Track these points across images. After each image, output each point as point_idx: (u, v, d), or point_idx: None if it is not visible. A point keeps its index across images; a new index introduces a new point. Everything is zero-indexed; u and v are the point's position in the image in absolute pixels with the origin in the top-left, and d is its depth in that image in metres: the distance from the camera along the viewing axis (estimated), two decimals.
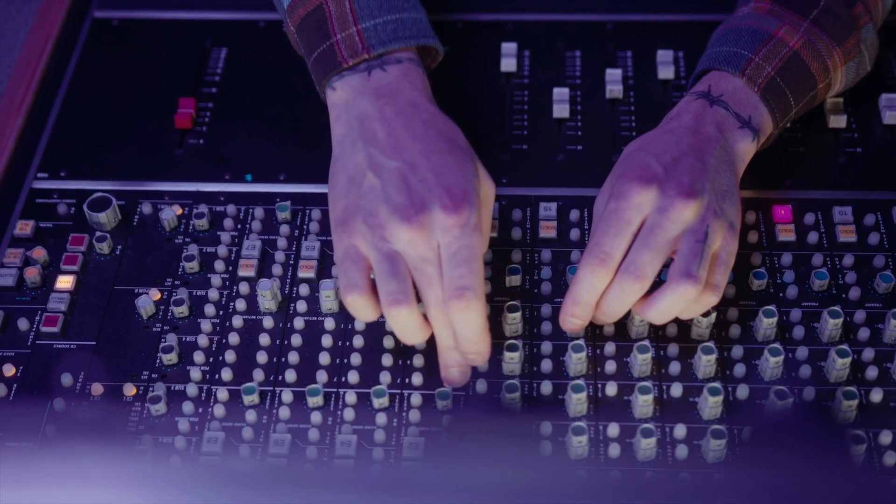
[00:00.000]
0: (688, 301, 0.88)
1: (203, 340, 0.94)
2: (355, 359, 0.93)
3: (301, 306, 0.96)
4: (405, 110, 0.92)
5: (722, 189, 0.92)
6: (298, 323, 0.95)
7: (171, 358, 0.93)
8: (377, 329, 0.95)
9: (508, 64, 1.13)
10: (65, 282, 0.98)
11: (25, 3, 1.23)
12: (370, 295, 0.88)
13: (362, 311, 0.89)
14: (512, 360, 0.92)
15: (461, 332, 0.88)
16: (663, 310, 0.89)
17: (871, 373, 0.91)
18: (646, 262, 0.88)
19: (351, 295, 0.88)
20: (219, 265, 0.99)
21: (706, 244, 0.88)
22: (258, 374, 0.93)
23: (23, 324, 0.95)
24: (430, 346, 0.93)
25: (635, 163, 0.91)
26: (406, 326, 0.88)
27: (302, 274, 0.98)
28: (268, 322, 0.95)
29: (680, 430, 0.89)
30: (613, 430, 0.89)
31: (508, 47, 1.14)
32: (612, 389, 0.91)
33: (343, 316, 0.96)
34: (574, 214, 1.01)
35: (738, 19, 1.00)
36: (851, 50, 1.00)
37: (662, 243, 0.89)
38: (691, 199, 0.89)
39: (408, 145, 0.90)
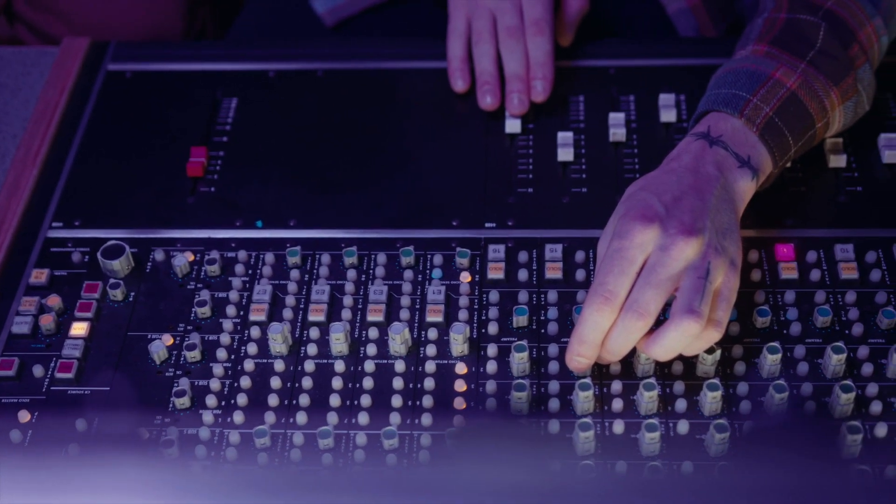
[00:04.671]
0: (691, 337, 0.89)
1: (215, 384, 0.96)
2: (365, 400, 0.94)
3: (311, 349, 0.98)
4: None
5: (722, 227, 0.93)
6: (309, 366, 0.97)
7: (183, 402, 0.95)
8: (387, 371, 0.96)
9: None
10: (79, 328, 1.00)
11: (41, 57, 1.25)
12: None
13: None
14: (520, 399, 0.93)
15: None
16: (667, 346, 0.90)
17: (876, 407, 0.92)
18: (648, 299, 0.90)
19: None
20: (230, 310, 1.00)
21: (708, 280, 0.90)
22: (269, 417, 0.94)
23: (38, 370, 0.97)
24: (439, 387, 0.94)
25: (637, 202, 0.93)
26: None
27: (312, 318, 1.00)
28: (279, 365, 0.97)
29: (687, 467, 0.89)
30: (621, 467, 0.90)
31: None
32: (619, 427, 0.92)
33: (353, 358, 0.97)
34: (580, 255, 1.03)
35: (737, 62, 1.02)
36: (848, 90, 1.02)
37: (665, 281, 0.90)
38: (692, 237, 0.90)
39: None
